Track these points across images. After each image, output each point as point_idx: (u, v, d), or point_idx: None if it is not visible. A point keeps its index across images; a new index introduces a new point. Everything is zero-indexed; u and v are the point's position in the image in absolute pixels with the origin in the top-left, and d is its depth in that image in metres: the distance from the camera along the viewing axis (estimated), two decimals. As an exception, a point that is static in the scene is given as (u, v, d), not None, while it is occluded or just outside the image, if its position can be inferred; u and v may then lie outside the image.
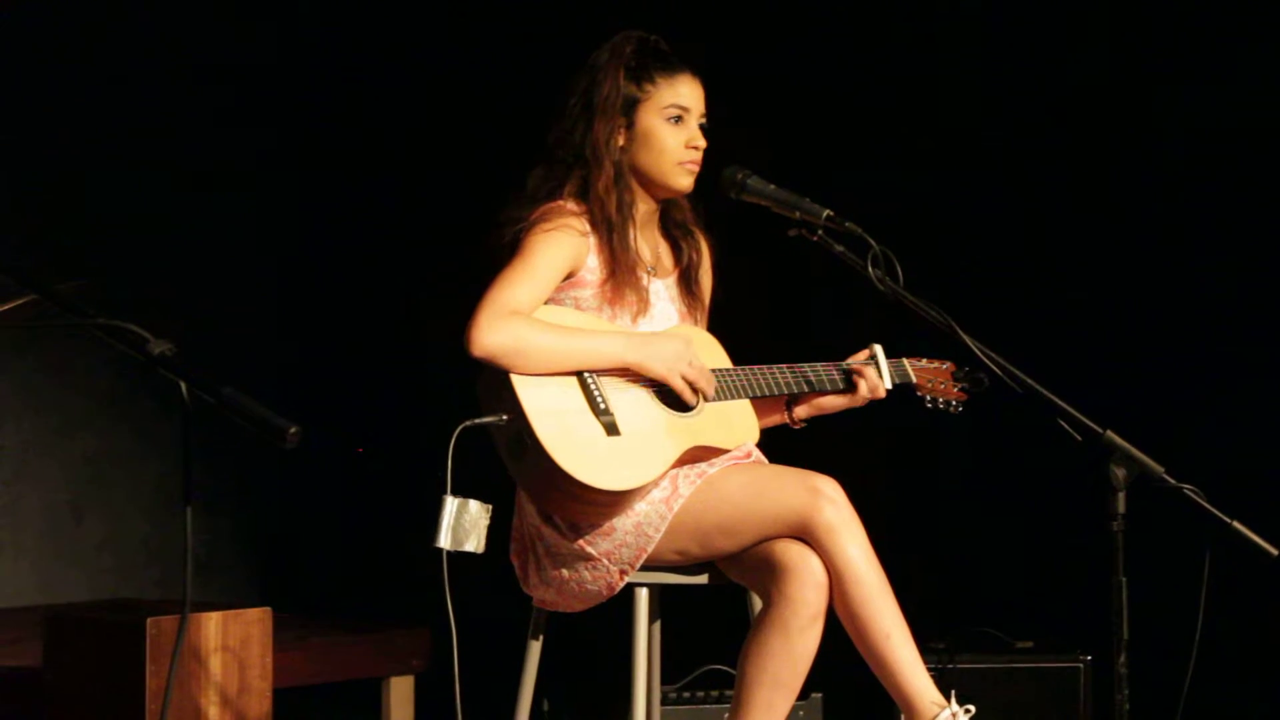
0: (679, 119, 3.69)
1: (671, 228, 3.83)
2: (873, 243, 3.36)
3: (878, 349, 3.82)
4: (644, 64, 3.70)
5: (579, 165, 3.67)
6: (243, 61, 6.45)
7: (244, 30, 6.45)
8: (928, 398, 3.88)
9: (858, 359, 3.82)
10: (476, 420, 3.46)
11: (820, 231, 3.51)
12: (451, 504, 3.38)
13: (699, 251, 3.84)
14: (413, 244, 6.22)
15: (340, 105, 6.46)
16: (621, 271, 3.65)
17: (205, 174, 6.31)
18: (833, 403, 3.82)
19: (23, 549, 5.88)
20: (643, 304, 3.68)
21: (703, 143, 3.71)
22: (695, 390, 3.59)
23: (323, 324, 6.48)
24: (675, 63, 3.72)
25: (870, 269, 3.36)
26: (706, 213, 3.85)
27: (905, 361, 3.87)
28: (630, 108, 3.68)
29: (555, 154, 3.70)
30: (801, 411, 3.84)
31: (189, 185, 6.26)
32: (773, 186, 3.61)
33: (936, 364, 3.90)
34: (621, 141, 3.69)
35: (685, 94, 3.70)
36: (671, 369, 3.56)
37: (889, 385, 3.81)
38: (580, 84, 3.71)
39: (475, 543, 3.40)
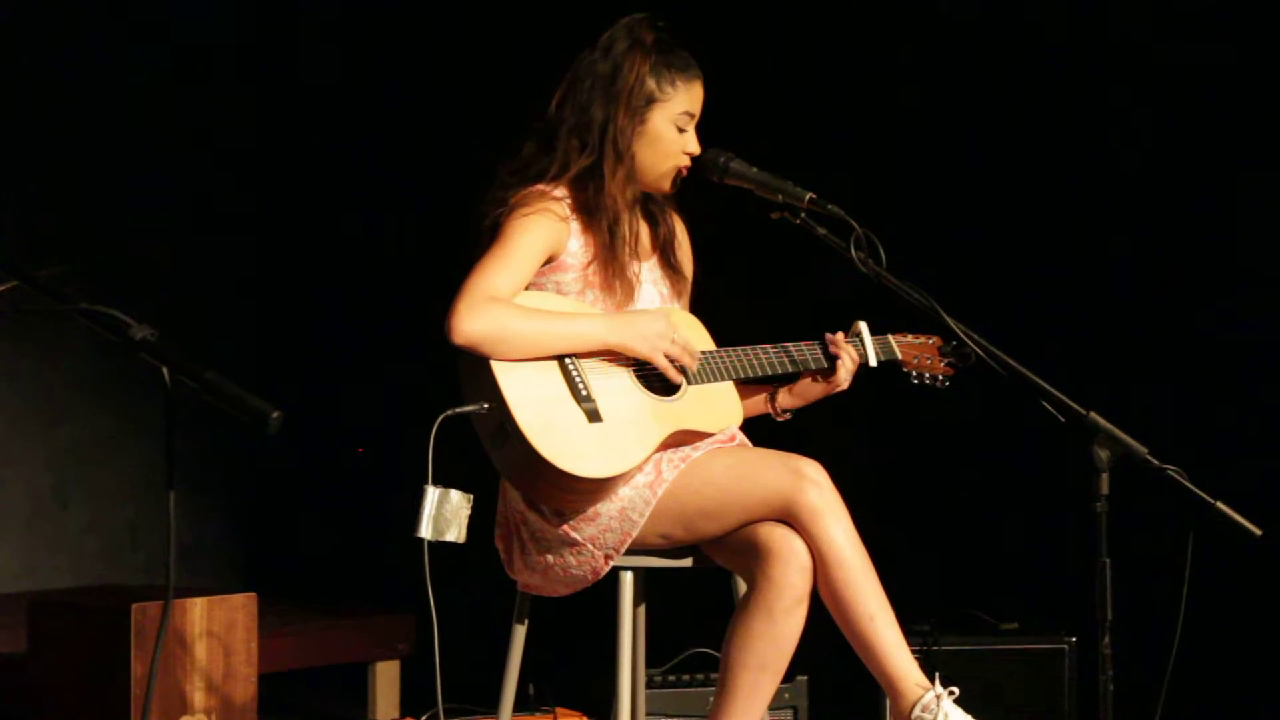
0: (684, 128, 3.68)
1: (649, 204, 3.80)
2: (855, 225, 3.36)
3: (862, 326, 3.81)
4: (666, 62, 3.65)
5: (588, 150, 3.62)
6: (229, 47, 6.45)
7: (230, 14, 6.45)
8: (914, 374, 3.87)
9: (838, 339, 3.80)
10: (458, 410, 3.45)
11: (803, 214, 3.51)
12: (432, 494, 3.37)
13: (670, 223, 3.82)
14: (394, 231, 6.22)
15: (324, 93, 6.45)
16: (614, 263, 3.63)
17: (189, 163, 6.31)
18: (815, 391, 3.81)
19: (7, 535, 5.87)
20: (629, 292, 3.67)
21: (697, 150, 3.68)
22: (679, 368, 3.58)
23: (305, 310, 6.48)
24: (692, 65, 3.68)
25: (853, 251, 3.36)
26: (691, 198, 3.83)
27: (890, 338, 3.86)
28: (647, 104, 3.64)
29: (558, 131, 3.65)
30: (785, 401, 3.83)
31: (172, 173, 6.26)
32: (755, 170, 3.60)
33: (923, 339, 3.89)
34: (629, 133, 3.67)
35: (696, 100, 3.68)
36: (655, 347, 3.55)
37: (874, 363, 3.80)
38: (596, 65, 3.65)
39: (456, 533, 3.39)
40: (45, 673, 4.04)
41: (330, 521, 6.32)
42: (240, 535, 6.51)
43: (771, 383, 3.81)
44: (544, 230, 3.58)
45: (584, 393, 3.49)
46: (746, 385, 3.81)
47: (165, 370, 2.60)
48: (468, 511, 3.41)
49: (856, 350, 3.77)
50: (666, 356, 3.56)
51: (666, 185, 3.71)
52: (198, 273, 6.35)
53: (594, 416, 3.48)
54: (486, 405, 3.44)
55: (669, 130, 3.66)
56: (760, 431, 3.78)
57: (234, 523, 6.49)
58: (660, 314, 3.61)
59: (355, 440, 6.29)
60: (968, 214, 5.37)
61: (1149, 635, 3.49)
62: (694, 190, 3.79)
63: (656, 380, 3.59)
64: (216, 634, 4.03)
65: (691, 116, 3.68)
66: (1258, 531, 3.15)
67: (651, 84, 3.64)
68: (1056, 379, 3.20)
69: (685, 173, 3.70)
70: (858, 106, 5.51)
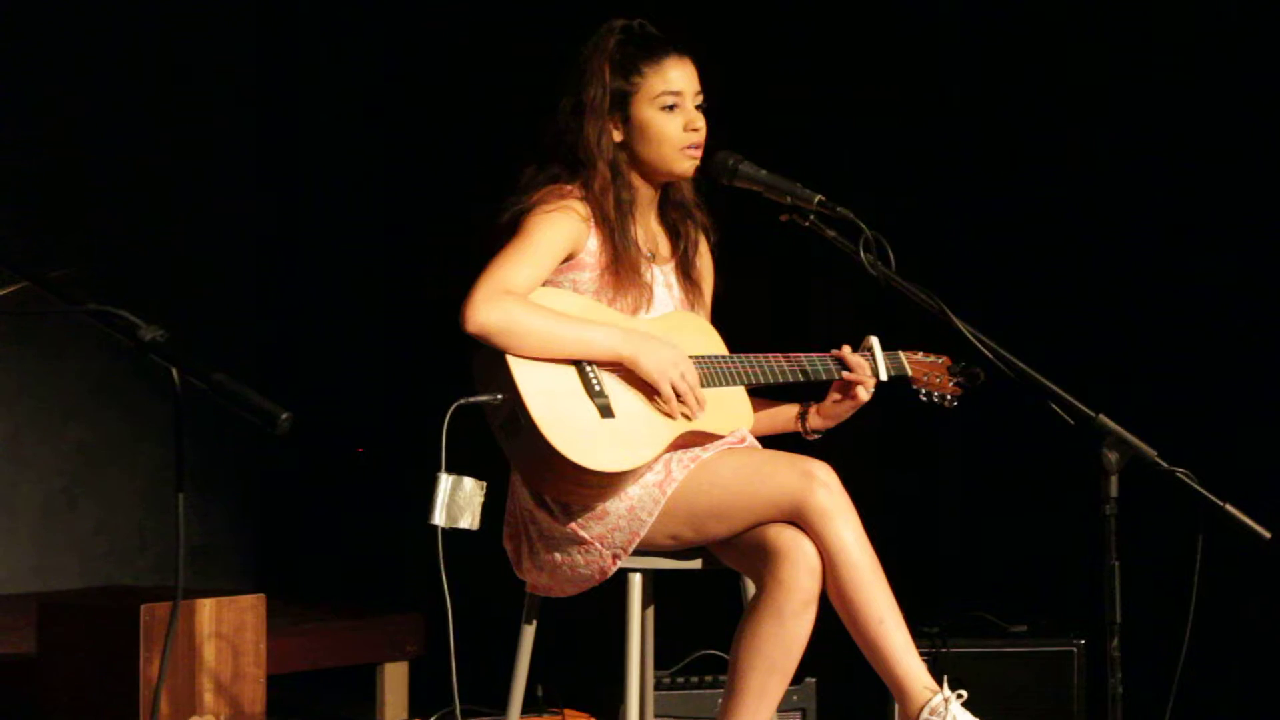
0: (673, 105, 3.67)
1: (670, 210, 3.81)
2: (864, 227, 3.36)
3: (874, 341, 3.81)
4: (628, 55, 3.66)
5: (576, 166, 3.65)
6: (230, 48, 6.46)
7: (231, 15, 6.46)
8: (922, 391, 3.88)
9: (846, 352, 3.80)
10: (471, 399, 3.46)
11: (812, 217, 3.50)
12: (446, 481, 3.38)
13: (696, 234, 3.82)
14: (397, 230, 6.22)
15: (324, 86, 6.45)
16: (624, 268, 3.64)
17: (190, 163, 6.32)
18: (843, 409, 3.80)
19: (17, 535, 5.88)
20: (644, 297, 3.67)
21: (702, 123, 3.68)
22: (680, 402, 3.56)
23: (316, 305, 6.48)
24: (660, 47, 3.68)
25: (862, 254, 3.36)
26: (709, 196, 3.82)
27: (902, 354, 3.86)
28: (622, 102, 3.65)
29: (551, 154, 3.68)
30: (815, 423, 3.83)
31: (173, 172, 6.27)
32: (764, 172, 3.60)
33: (933, 358, 3.90)
34: (619, 137, 3.66)
35: (674, 78, 3.67)
36: (663, 374, 3.54)
37: (884, 377, 3.80)
38: (569, 84, 3.68)
39: (470, 520, 3.40)
40: (54, 673, 4.04)
41: (339, 523, 6.32)
42: (249, 536, 6.52)
43: (783, 391, 3.81)
44: (565, 228, 3.59)
45: (597, 388, 3.50)
46: (767, 398, 3.82)
47: (174, 371, 2.60)
48: (481, 499, 3.41)
49: (868, 363, 3.77)
50: (673, 387, 3.55)
51: (680, 169, 3.69)
52: (198, 272, 6.35)
53: (606, 412, 3.48)
54: (500, 395, 3.45)
55: (655, 115, 3.66)
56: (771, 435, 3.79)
57: (243, 524, 6.49)
58: (678, 348, 3.60)
59: (364, 441, 6.29)
60: (974, 215, 5.36)
61: (1158, 638, 3.49)
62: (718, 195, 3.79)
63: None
64: (225, 635, 4.04)
65: (676, 94, 3.66)
66: (1267, 534, 3.15)
67: (619, 82, 3.65)
68: (1065, 381, 3.20)
69: (699, 150, 3.68)
70: (860, 105, 5.50)
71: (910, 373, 3.86)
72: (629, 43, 3.68)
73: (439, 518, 3.37)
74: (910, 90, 5.46)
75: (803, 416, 3.84)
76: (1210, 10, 5.03)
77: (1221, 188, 5.06)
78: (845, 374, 3.75)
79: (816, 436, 3.85)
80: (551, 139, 3.68)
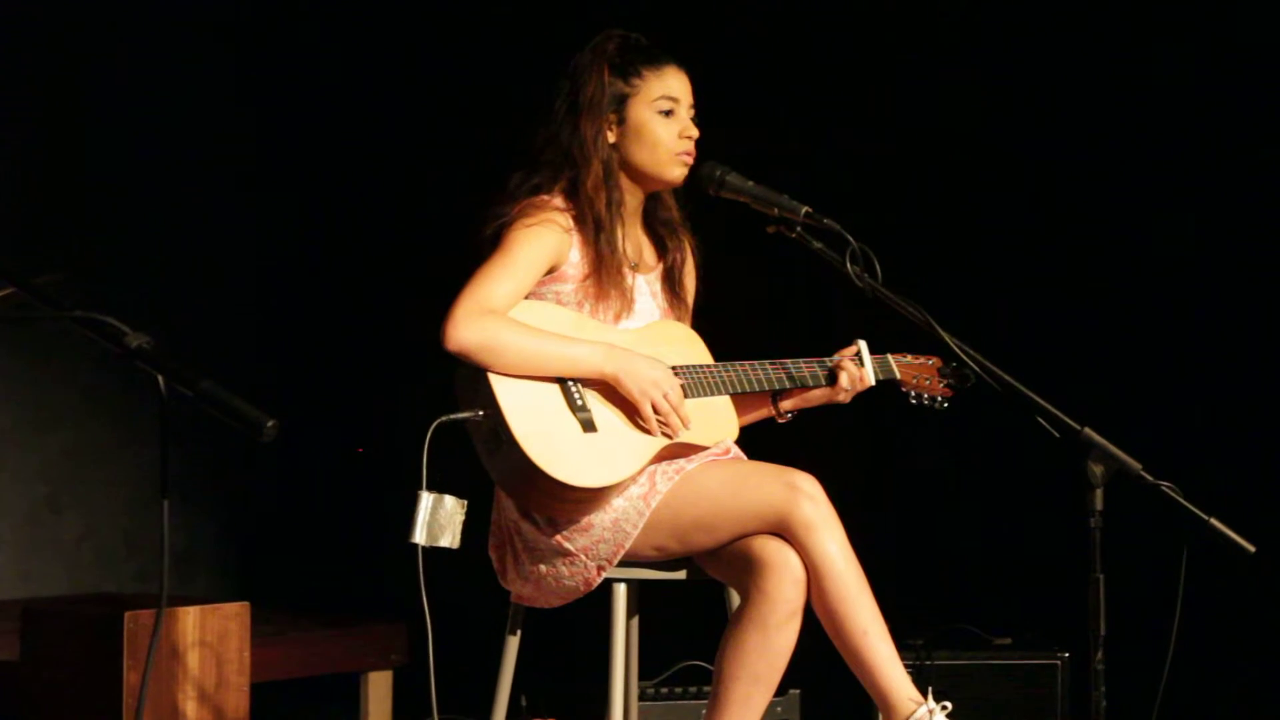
0: (670, 111, 3.68)
1: (657, 225, 3.82)
2: (851, 239, 3.36)
3: (862, 345, 3.81)
4: (629, 59, 3.69)
5: (567, 166, 3.66)
6: (230, 49, 6.47)
7: (231, 16, 6.47)
8: (912, 393, 3.87)
9: (843, 355, 3.81)
10: (453, 416, 3.45)
11: (798, 228, 3.51)
12: (427, 499, 3.37)
13: (683, 251, 3.83)
14: (391, 237, 6.22)
15: (322, 100, 6.45)
16: (607, 271, 3.64)
17: (189, 166, 6.32)
18: (816, 396, 3.81)
19: (1, 541, 5.87)
20: (626, 303, 3.68)
21: (695, 132, 3.70)
22: (663, 421, 3.56)
23: (301, 318, 6.48)
24: (660, 55, 3.71)
25: (848, 265, 3.36)
26: (693, 212, 3.83)
27: (890, 357, 3.86)
28: (620, 103, 3.67)
29: (541, 158, 3.69)
30: (787, 404, 3.83)
31: (172, 175, 6.27)
32: (751, 183, 3.61)
33: (922, 360, 3.89)
34: (613, 138, 3.67)
35: (674, 85, 3.69)
36: (645, 393, 3.53)
37: (873, 381, 3.80)
38: (564, 87, 3.70)
39: (450, 538, 3.39)
40: (38, 680, 4.03)
41: (324, 531, 6.32)
42: (234, 544, 6.51)
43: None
44: (546, 241, 3.58)
45: (579, 403, 3.50)
46: (746, 396, 3.82)
47: (160, 378, 2.60)
48: (462, 517, 3.40)
49: (856, 367, 3.77)
50: (654, 407, 3.54)
51: (670, 175, 3.70)
52: (196, 277, 6.34)
53: (589, 426, 3.48)
54: (482, 412, 3.44)
55: (651, 118, 3.67)
56: (756, 446, 3.78)
57: (228, 531, 6.48)
58: (663, 365, 3.60)
59: (350, 450, 6.29)
60: (961, 228, 5.37)
61: (1142, 651, 3.49)
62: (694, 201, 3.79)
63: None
64: (209, 643, 4.03)
65: (674, 100, 3.68)
66: (1251, 548, 3.16)
67: (618, 83, 3.67)
68: (1051, 394, 3.20)
69: (691, 158, 3.69)
70: (853, 117, 5.51)
71: (899, 376, 3.86)
72: (629, 48, 3.70)
73: (419, 536, 3.36)
74: (896, 101, 5.47)
75: (775, 398, 3.83)
76: (1206, 13, 5.04)
77: (1213, 200, 5.07)
78: (840, 373, 3.75)
79: (788, 419, 3.85)
80: (543, 141, 3.69)
